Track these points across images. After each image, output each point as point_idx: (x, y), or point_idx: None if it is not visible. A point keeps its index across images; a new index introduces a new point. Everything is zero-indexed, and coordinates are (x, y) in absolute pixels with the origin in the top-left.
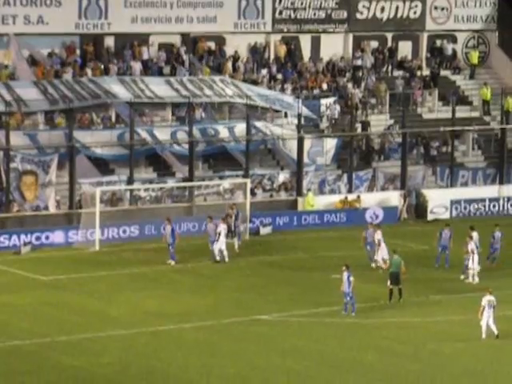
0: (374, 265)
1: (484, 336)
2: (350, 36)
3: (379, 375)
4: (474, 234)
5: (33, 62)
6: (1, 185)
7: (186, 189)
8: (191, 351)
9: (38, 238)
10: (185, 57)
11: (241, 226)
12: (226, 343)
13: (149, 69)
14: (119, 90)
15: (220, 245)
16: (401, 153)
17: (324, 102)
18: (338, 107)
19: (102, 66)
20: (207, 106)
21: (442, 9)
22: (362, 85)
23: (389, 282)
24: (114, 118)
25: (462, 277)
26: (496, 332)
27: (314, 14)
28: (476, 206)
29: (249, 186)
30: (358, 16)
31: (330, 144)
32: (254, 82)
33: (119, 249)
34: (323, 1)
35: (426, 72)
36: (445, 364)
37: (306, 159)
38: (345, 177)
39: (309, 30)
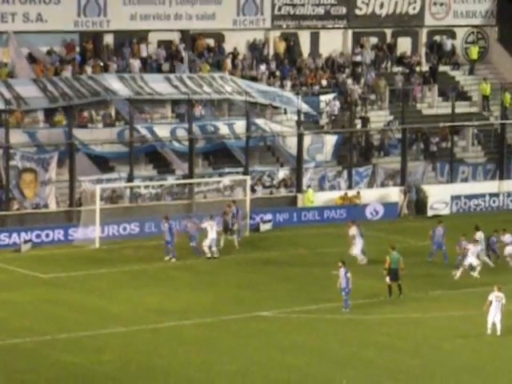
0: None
1: (489, 332)
2: (350, 32)
3: (379, 371)
4: (479, 234)
5: (32, 59)
6: (0, 183)
7: (185, 186)
8: (191, 348)
9: (38, 236)
10: (184, 54)
11: (241, 223)
12: (226, 340)
13: (148, 66)
14: (119, 87)
15: (208, 242)
16: (400, 149)
17: (323, 98)
18: (337, 103)
19: (102, 64)
20: (207, 103)
21: (441, 4)
22: (362, 81)
23: (388, 279)
24: (113, 116)
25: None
26: (499, 332)
27: (313, 11)
28: (476, 202)
29: (249, 182)
30: (357, 12)
31: (330, 140)
32: (254, 79)
33: (119, 246)
34: None
35: (425, 68)
36: (445, 360)
37: (305, 156)
38: (345, 173)
39: (308, 27)
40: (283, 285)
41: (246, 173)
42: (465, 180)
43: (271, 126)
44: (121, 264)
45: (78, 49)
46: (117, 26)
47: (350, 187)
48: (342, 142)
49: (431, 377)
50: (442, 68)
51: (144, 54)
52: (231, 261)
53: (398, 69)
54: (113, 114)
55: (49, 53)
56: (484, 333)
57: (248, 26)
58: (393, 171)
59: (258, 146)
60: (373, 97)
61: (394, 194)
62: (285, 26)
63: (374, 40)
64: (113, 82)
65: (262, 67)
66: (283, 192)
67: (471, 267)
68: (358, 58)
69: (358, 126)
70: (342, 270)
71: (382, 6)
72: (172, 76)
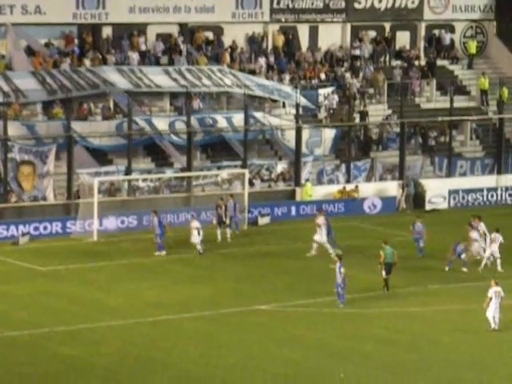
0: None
1: (493, 326)
2: (348, 26)
3: (377, 364)
4: (482, 225)
5: (30, 52)
6: None
7: (184, 179)
8: (190, 341)
9: (36, 229)
10: (182, 47)
11: (239, 216)
12: (225, 333)
13: (147, 59)
14: (117, 79)
15: (193, 239)
16: (399, 143)
17: (322, 91)
18: (336, 97)
19: (100, 56)
20: (205, 96)
21: None
22: (360, 75)
23: (384, 273)
24: (112, 108)
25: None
26: (497, 326)
27: (312, 4)
28: (474, 196)
29: (247, 176)
30: (356, 6)
31: (328, 134)
32: (252, 72)
33: (117, 239)
34: None
35: (424, 62)
36: (443, 353)
37: (304, 149)
38: (343, 167)
39: (307, 20)
40: (281, 278)
41: (244, 166)
42: (463, 174)
43: (270, 119)
44: (119, 257)
45: (76, 41)
46: (115, 19)
47: (348, 181)
48: (340, 136)
49: (428, 370)
50: (440, 62)
51: (142, 47)
52: (229, 254)
53: (396, 63)
54: (111, 106)
55: (47, 45)
56: (482, 327)
57: (247, 19)
58: (391, 165)
59: (257, 139)
60: (371, 91)
61: (392, 188)
62: (283, 20)
63: (372, 34)
64: (111, 75)
65: (261, 60)
66: (281, 186)
67: (492, 257)
68: (357, 52)
69: (357, 120)
70: (338, 265)
71: None
72: (171, 69)
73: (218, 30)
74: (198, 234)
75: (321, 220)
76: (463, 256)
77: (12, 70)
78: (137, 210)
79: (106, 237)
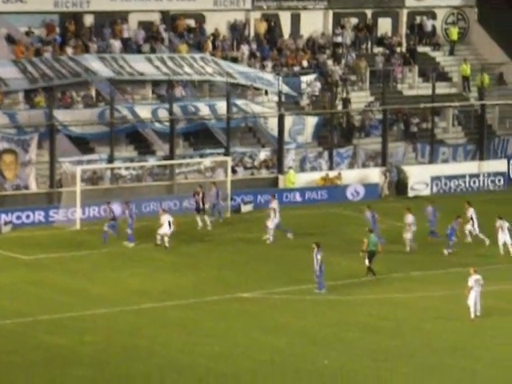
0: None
1: (472, 316)
2: (330, 13)
3: (360, 351)
4: (471, 210)
5: (11, 40)
6: None
7: (166, 167)
8: (174, 329)
9: (18, 218)
10: (164, 35)
11: (222, 204)
12: (209, 321)
13: (128, 47)
14: (99, 67)
15: (163, 230)
16: (381, 130)
17: (304, 79)
18: (318, 84)
19: (82, 44)
20: (187, 84)
21: None
22: (343, 62)
23: (367, 261)
24: (94, 96)
25: (446, 252)
26: (479, 313)
27: None
28: (456, 183)
29: (230, 163)
30: None
31: (311, 121)
32: (234, 60)
33: (100, 228)
34: None
35: (405, 49)
36: (425, 340)
37: (286, 137)
38: (326, 154)
39: (289, 7)
40: (264, 266)
41: (227, 154)
42: (445, 161)
43: (252, 107)
44: (102, 245)
45: (58, 30)
46: (97, 7)
47: (331, 168)
48: (322, 123)
49: (412, 357)
50: (422, 49)
51: (125, 34)
52: (212, 242)
53: (378, 49)
54: (93, 94)
55: (27, 34)
56: (465, 313)
57: (229, 7)
58: (373, 152)
59: (239, 127)
60: (353, 78)
61: (375, 174)
62: (265, 7)
63: (354, 21)
64: (93, 63)
65: (243, 48)
66: (264, 173)
67: (504, 244)
68: (339, 39)
69: (339, 107)
70: (315, 252)
71: None
72: (153, 56)
73: (199, 18)
74: (169, 226)
75: (274, 204)
76: (453, 238)
77: None
78: (119, 198)
79: (89, 225)
